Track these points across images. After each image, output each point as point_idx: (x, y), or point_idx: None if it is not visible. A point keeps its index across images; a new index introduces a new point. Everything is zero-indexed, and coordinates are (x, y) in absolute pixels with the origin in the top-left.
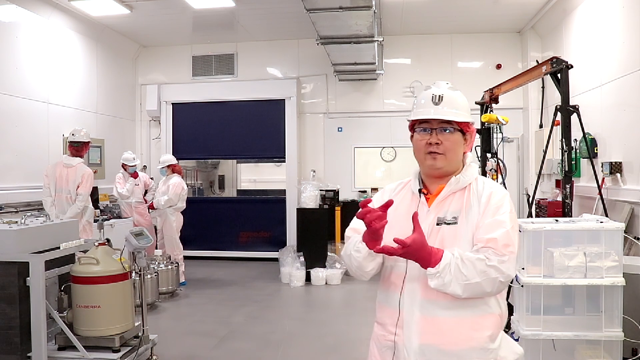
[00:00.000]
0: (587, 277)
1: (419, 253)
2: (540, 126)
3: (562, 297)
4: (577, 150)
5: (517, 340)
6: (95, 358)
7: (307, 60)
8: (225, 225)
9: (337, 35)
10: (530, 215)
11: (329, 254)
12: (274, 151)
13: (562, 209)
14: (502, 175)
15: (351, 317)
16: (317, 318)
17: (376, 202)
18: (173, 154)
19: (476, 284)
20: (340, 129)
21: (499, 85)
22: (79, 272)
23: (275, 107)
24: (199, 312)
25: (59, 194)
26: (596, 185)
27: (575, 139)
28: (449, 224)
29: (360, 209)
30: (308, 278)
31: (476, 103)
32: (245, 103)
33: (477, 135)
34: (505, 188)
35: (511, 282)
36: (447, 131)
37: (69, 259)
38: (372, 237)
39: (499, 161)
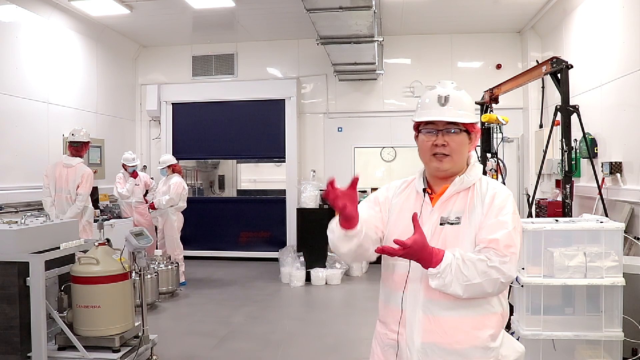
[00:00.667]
0: (587, 277)
1: (420, 254)
2: (540, 126)
3: (562, 297)
4: (577, 150)
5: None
6: (95, 358)
7: (307, 60)
8: (225, 225)
9: (337, 35)
10: (530, 215)
11: (329, 254)
12: (274, 151)
13: (562, 209)
14: (502, 175)
15: (351, 317)
16: (317, 318)
17: (382, 196)
18: (173, 154)
19: (477, 284)
20: (340, 129)
21: (499, 85)
22: (79, 272)
23: (275, 107)
24: (199, 312)
25: (59, 194)
26: (596, 185)
27: (575, 139)
28: (452, 224)
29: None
30: (308, 278)
31: (476, 103)
32: (245, 103)
33: None
34: None
35: (511, 282)
36: (453, 132)
37: (69, 259)
38: (344, 218)
39: (499, 161)
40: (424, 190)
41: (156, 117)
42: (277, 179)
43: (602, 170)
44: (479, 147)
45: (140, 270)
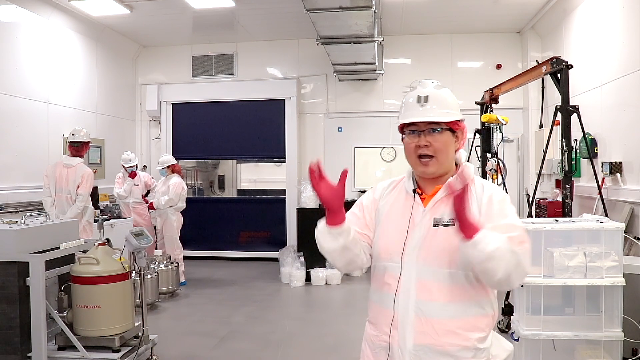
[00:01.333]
0: (587, 277)
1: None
2: (540, 126)
3: (562, 297)
4: (577, 150)
5: (517, 340)
6: (95, 358)
7: (307, 60)
8: (225, 225)
9: (337, 35)
10: (530, 215)
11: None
12: (274, 151)
13: (562, 209)
14: (502, 175)
15: (351, 317)
16: (317, 318)
17: (366, 200)
18: (173, 154)
19: (509, 261)
20: (340, 129)
21: (499, 85)
22: (79, 272)
23: (275, 107)
24: (199, 312)
25: (59, 194)
26: (596, 185)
27: (575, 139)
28: (446, 225)
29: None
30: (308, 278)
31: (476, 103)
32: (245, 103)
33: (477, 135)
34: (505, 188)
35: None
36: (436, 132)
37: (69, 259)
38: (327, 212)
39: (499, 161)
40: (414, 190)
41: (156, 117)
42: (277, 179)
43: (602, 170)
44: (479, 147)
45: (140, 270)
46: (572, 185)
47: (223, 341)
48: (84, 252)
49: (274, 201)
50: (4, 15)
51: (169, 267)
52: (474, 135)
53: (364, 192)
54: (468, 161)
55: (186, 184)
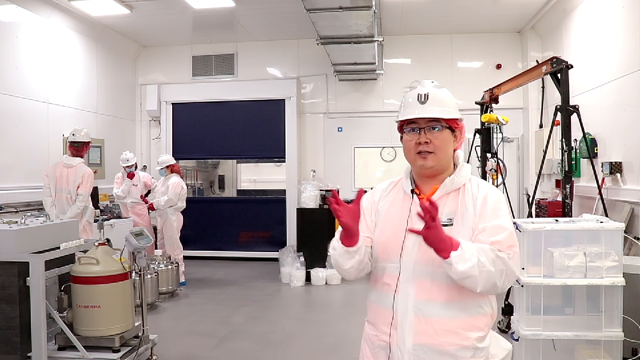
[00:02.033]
0: (587, 277)
1: (442, 234)
2: (540, 126)
3: (562, 297)
4: (577, 150)
5: (517, 340)
6: (95, 358)
7: (307, 60)
8: (225, 225)
9: (337, 35)
10: (530, 215)
11: (329, 254)
12: (274, 151)
13: (562, 209)
14: (502, 175)
15: (351, 317)
16: (317, 318)
17: (366, 202)
18: (173, 154)
19: (491, 272)
20: (340, 129)
21: (499, 85)
22: (79, 272)
23: (275, 107)
24: (199, 312)
25: (59, 194)
26: (596, 185)
27: (575, 139)
28: (444, 225)
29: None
30: (308, 278)
31: (476, 103)
32: (245, 103)
33: (477, 135)
34: (505, 188)
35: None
36: (436, 129)
37: (69, 259)
38: (346, 234)
39: (499, 161)
40: (412, 191)
41: (156, 117)
42: (277, 179)
43: (602, 170)
44: (479, 147)
45: (140, 270)
46: (572, 185)
47: (223, 341)
48: (84, 252)
49: (274, 201)
50: (4, 15)
51: (169, 267)
52: (474, 135)
53: (363, 192)
54: (467, 161)
55: (186, 184)
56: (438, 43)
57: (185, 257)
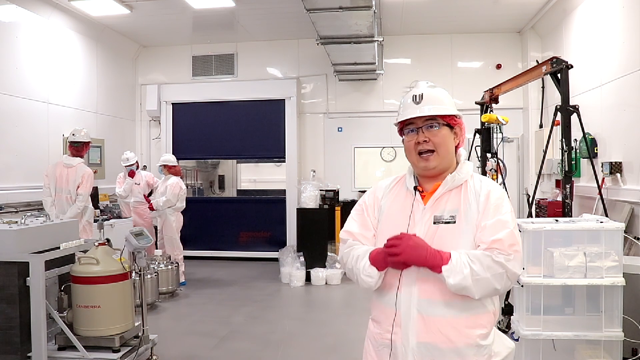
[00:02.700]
0: (587, 277)
1: (420, 250)
2: (540, 126)
3: (562, 297)
4: (577, 150)
5: (517, 340)
6: (95, 358)
7: (307, 60)
8: (225, 225)
9: (337, 35)
10: (530, 215)
11: (329, 254)
12: (274, 151)
13: (562, 209)
14: (502, 175)
15: (351, 317)
16: (317, 318)
17: (369, 200)
18: (173, 154)
19: (486, 279)
20: (340, 129)
21: (499, 85)
22: (79, 272)
23: (275, 107)
24: (199, 312)
25: (59, 194)
26: (596, 185)
27: (575, 139)
28: (446, 222)
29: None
30: (308, 278)
31: (476, 103)
32: (245, 103)
33: (477, 135)
34: (505, 188)
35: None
36: (434, 127)
37: (69, 259)
38: (387, 265)
39: (499, 161)
40: (415, 188)
41: (156, 117)
42: (277, 179)
43: (602, 170)
44: (479, 147)
45: (140, 270)
46: (572, 185)
47: (223, 341)
48: (84, 252)
49: (274, 201)
50: (4, 15)
51: (169, 267)
52: (474, 135)
53: (364, 192)
54: (468, 160)
55: (186, 184)
56: (438, 43)
57: (185, 257)
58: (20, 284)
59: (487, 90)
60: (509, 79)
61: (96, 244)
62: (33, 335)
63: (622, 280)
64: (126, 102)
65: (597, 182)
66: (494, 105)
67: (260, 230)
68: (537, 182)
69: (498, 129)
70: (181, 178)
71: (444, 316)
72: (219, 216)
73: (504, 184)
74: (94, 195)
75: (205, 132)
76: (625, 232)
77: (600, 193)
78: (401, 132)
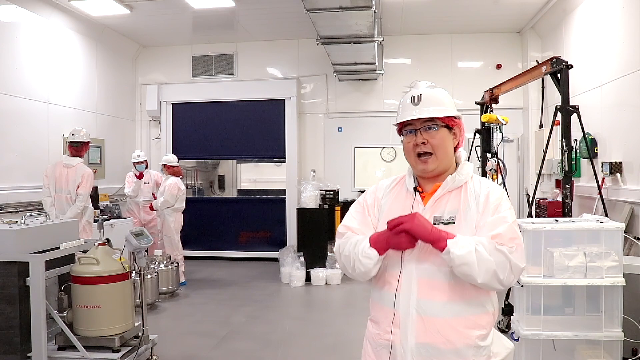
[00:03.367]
0: (587, 277)
1: (427, 224)
2: (540, 126)
3: (562, 297)
4: (577, 150)
5: (517, 340)
6: (95, 358)
7: (307, 60)
8: (225, 225)
9: (337, 35)
10: (530, 215)
11: (329, 254)
12: (274, 151)
13: (562, 209)
14: (502, 175)
15: (351, 317)
16: (317, 318)
17: (369, 197)
18: (173, 154)
19: (490, 263)
20: (340, 129)
21: (499, 85)
22: (79, 272)
23: (275, 107)
24: (199, 312)
25: (59, 194)
26: (596, 185)
27: (575, 139)
28: (446, 223)
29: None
30: (308, 278)
31: (476, 103)
32: (245, 103)
33: (477, 135)
34: (505, 188)
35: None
36: (432, 129)
37: (69, 259)
38: (389, 246)
39: (499, 161)
40: (415, 188)
41: (156, 117)
42: (277, 179)
43: (602, 170)
44: (479, 147)
45: (140, 270)
46: (572, 185)
47: (223, 341)
48: (84, 252)
49: (274, 201)
50: (4, 15)
51: (169, 267)
52: (474, 135)
53: (363, 192)
54: (468, 160)
55: (186, 184)
56: (438, 43)
57: (185, 257)
58: (20, 284)
59: (487, 90)
60: (509, 79)
61: (96, 244)
62: (33, 335)
63: (622, 280)
64: (126, 102)
65: (597, 182)
66: (494, 105)
67: (260, 230)
68: (537, 182)
69: (498, 129)
70: (181, 178)
71: (443, 317)
72: (219, 216)
73: (504, 184)
74: (94, 196)
75: (205, 132)
76: (625, 232)
77: (600, 193)
78: (400, 132)
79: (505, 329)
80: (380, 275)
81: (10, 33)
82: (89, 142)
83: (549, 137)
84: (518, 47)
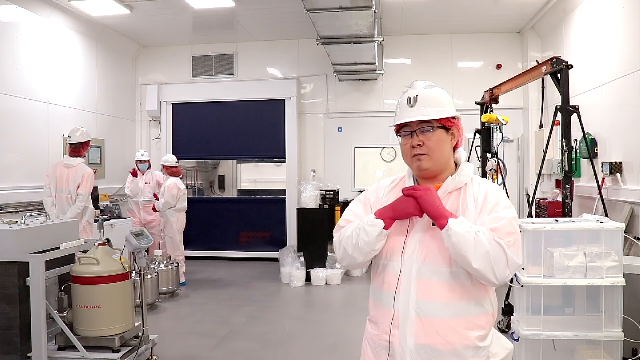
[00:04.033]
0: (587, 277)
1: (437, 198)
2: (540, 126)
3: (562, 297)
4: (577, 150)
5: (517, 340)
6: (95, 358)
7: (307, 60)
8: (226, 225)
9: (337, 35)
10: (530, 215)
11: (329, 254)
12: (274, 151)
13: (562, 209)
14: (502, 175)
15: (351, 317)
16: (317, 318)
17: (370, 195)
18: (173, 154)
19: (486, 250)
20: (340, 129)
21: (499, 85)
22: (79, 272)
23: (275, 107)
24: (199, 312)
25: (59, 194)
26: (596, 185)
27: (575, 139)
28: None
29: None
30: (308, 278)
31: (476, 103)
32: (245, 103)
33: (477, 135)
34: (505, 188)
35: (511, 282)
36: (428, 131)
37: (69, 259)
38: (395, 213)
39: (499, 161)
40: None
41: (156, 117)
42: (277, 179)
43: (602, 170)
44: (479, 147)
45: (140, 270)
46: (572, 185)
47: (223, 341)
48: (84, 252)
49: (274, 201)
50: (4, 15)
51: (169, 267)
52: (474, 135)
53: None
54: (468, 161)
55: (186, 184)
56: (438, 43)
57: (185, 257)
58: (20, 284)
59: (487, 90)
60: (509, 79)
61: (96, 244)
62: (33, 335)
63: (622, 280)
64: (126, 102)
65: (597, 182)
66: (494, 105)
67: (260, 230)
68: (537, 182)
69: (498, 129)
70: (181, 178)
71: (442, 317)
72: (219, 216)
73: (504, 184)
74: (94, 196)
75: (205, 132)
76: (625, 232)
77: (600, 193)
78: (398, 133)
79: (505, 329)
80: (379, 275)
81: (10, 33)
82: (88, 141)
83: (549, 137)
84: (518, 47)
